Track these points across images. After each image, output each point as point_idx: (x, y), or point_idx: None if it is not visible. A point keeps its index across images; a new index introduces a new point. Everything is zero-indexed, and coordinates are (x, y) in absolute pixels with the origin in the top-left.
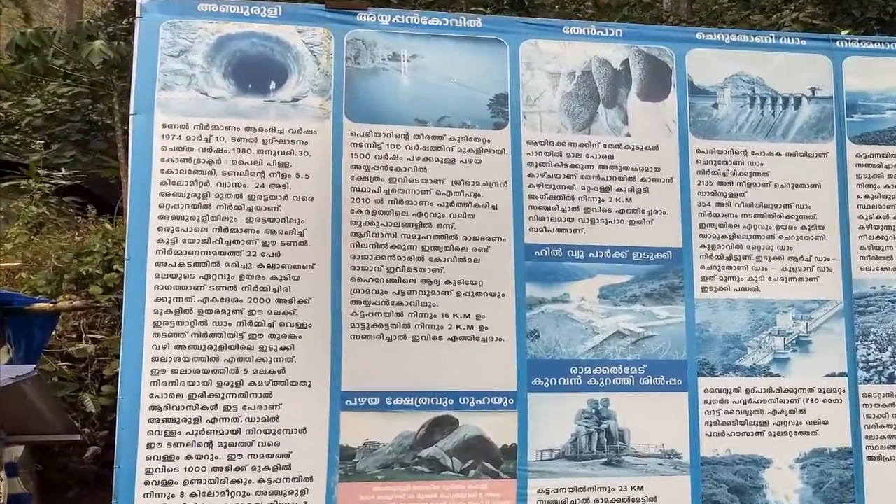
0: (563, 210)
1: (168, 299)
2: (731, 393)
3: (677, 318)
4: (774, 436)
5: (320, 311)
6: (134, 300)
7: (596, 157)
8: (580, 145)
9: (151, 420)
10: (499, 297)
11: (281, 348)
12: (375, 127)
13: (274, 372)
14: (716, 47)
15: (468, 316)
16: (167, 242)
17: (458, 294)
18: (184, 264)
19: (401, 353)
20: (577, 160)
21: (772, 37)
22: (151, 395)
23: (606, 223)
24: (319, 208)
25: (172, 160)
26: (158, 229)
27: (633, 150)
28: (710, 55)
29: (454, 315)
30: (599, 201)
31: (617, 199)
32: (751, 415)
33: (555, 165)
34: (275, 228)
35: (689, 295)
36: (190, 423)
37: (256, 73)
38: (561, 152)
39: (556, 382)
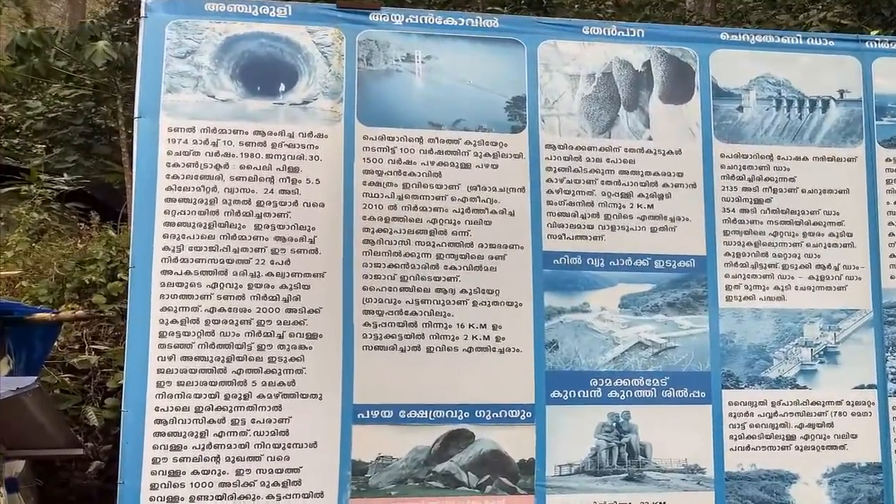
0: (583, 216)
1: (174, 309)
2: (756, 406)
3: (701, 328)
4: (801, 450)
5: (331, 321)
6: (138, 310)
7: (616, 161)
8: (600, 149)
9: (157, 434)
10: (516, 306)
11: (291, 359)
12: (388, 130)
13: (283, 384)
14: (741, 48)
15: (484, 326)
16: (173, 250)
17: (474, 303)
18: (190, 273)
19: (415, 365)
20: (597, 165)
21: (799, 37)
22: (157, 408)
23: (627, 230)
24: (330, 215)
25: (178, 165)
26: (164, 236)
27: (654, 154)
28: (734, 56)
29: (470, 325)
30: (620, 207)
31: (638, 206)
32: (777, 428)
33: (574, 170)
34: (284, 236)
35: (713, 304)
36: (196, 436)
37: (265, 74)
38: (580, 157)
39: (575, 395)
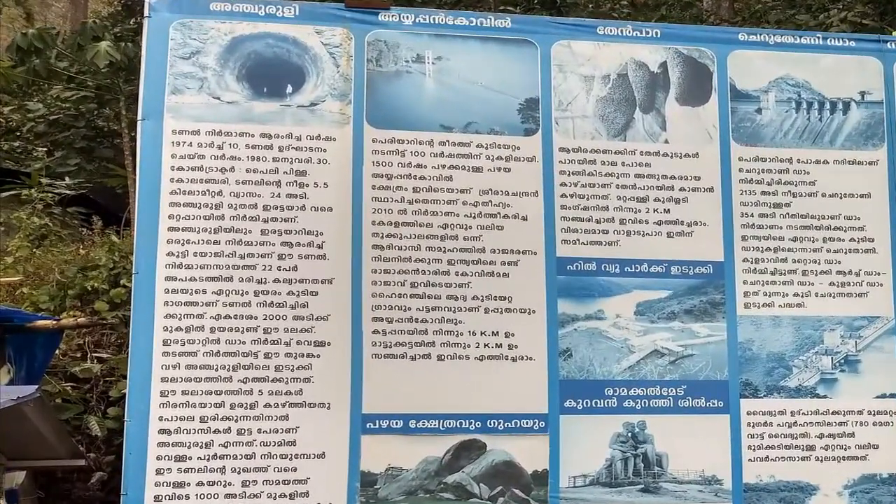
0: (598, 221)
1: (178, 316)
2: (775, 415)
3: (718, 335)
4: (821, 461)
5: (340, 329)
6: (142, 317)
7: (632, 165)
8: (615, 153)
9: (161, 444)
10: (529, 313)
11: (298, 368)
12: (398, 133)
13: (291, 393)
14: (759, 49)
15: (496, 334)
16: (177, 256)
17: (486, 310)
18: (195, 279)
19: (425, 374)
20: (612, 168)
21: (819, 38)
22: (161, 418)
23: (643, 235)
24: (339, 219)
25: (183, 168)
26: (168, 242)
27: (671, 157)
28: (753, 57)
29: (482, 333)
30: (636, 212)
31: (654, 210)
32: (796, 438)
33: (588, 174)
34: (291, 241)
35: (731, 311)
36: (201, 447)
37: (272, 76)
38: (595, 160)
39: (589, 404)
